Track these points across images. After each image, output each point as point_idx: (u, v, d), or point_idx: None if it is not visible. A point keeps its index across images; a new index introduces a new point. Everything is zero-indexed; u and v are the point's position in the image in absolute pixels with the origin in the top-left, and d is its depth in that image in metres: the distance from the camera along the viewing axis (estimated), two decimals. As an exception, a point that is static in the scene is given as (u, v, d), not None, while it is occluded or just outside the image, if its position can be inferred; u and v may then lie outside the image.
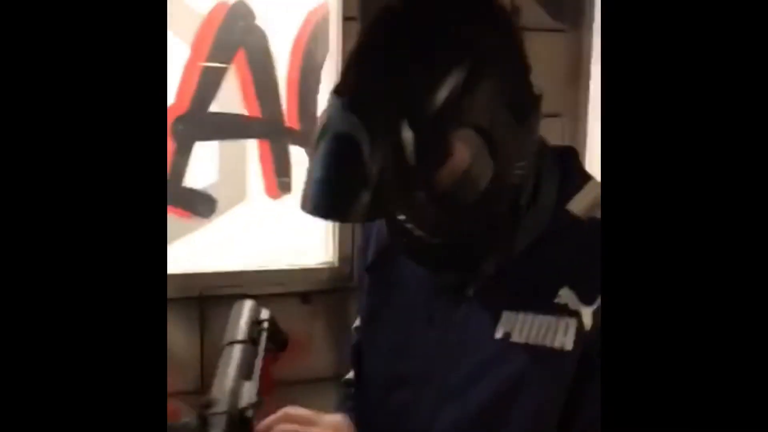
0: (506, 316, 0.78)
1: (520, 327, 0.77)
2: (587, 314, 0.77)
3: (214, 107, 1.74)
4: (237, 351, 0.85)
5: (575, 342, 0.75)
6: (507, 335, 0.77)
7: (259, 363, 0.85)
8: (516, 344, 0.77)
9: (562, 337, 0.76)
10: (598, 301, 0.76)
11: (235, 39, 1.72)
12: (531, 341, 0.76)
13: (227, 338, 0.88)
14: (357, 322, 0.96)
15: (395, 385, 0.83)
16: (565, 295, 0.77)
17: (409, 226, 0.75)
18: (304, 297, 1.80)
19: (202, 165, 1.74)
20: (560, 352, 0.75)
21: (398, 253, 0.83)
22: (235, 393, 0.79)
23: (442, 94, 0.70)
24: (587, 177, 0.84)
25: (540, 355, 0.76)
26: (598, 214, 0.77)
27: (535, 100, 0.78)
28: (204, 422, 0.76)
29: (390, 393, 0.84)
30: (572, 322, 0.76)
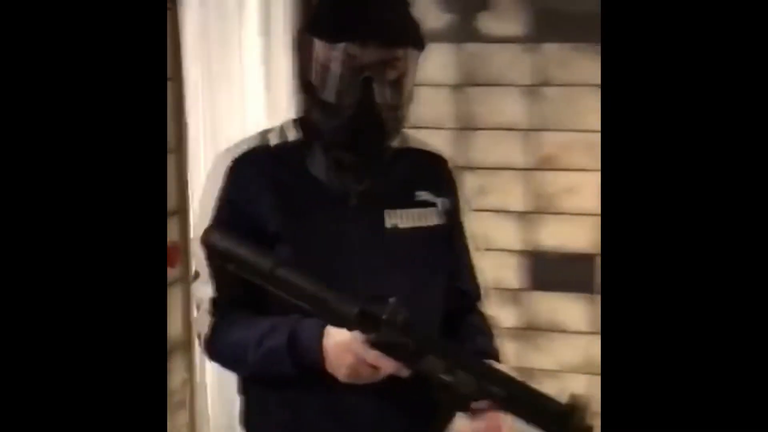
0: (387, 213, 1.06)
1: (401, 218, 1.07)
2: (440, 203, 1.10)
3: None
4: None
5: (441, 218, 1.10)
6: (395, 225, 1.06)
7: None
8: (404, 228, 1.06)
9: (432, 218, 1.09)
10: (445, 197, 1.11)
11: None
12: (413, 225, 1.07)
13: None
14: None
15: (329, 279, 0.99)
16: (422, 194, 1.09)
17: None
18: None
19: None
20: (434, 227, 1.09)
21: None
22: None
23: None
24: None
25: (422, 230, 1.08)
26: (425, 147, 1.15)
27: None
28: None
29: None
30: (432, 209, 1.09)
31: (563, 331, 2.32)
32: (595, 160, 2.23)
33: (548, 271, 2.31)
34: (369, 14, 1.00)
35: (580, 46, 2.18)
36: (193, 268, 1.13)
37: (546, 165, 2.25)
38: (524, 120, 2.25)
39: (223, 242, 1.01)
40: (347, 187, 1.07)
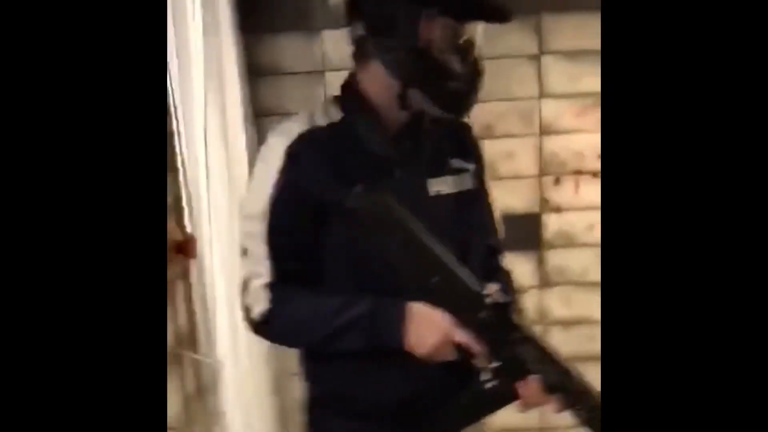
0: (429, 182, 1.14)
1: (441, 184, 1.15)
2: (471, 168, 1.21)
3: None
4: None
5: (473, 182, 1.21)
6: (437, 191, 1.15)
7: None
8: (447, 194, 1.16)
9: (467, 182, 1.20)
10: (473, 162, 1.22)
11: None
12: (453, 190, 1.17)
13: None
14: None
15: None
16: (456, 161, 1.19)
17: None
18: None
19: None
20: (467, 191, 1.20)
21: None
22: None
23: None
24: None
25: (462, 194, 1.18)
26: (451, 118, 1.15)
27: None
28: None
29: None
30: (466, 174, 1.20)
31: (513, 288, 2.49)
32: (531, 126, 2.39)
33: (495, 234, 2.45)
34: None
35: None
36: (240, 245, 1.14)
37: (486, 134, 2.36)
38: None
39: (387, 203, 1.04)
40: (399, 157, 1.13)
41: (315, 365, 1.18)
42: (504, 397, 1.06)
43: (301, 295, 1.10)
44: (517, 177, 2.42)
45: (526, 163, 2.41)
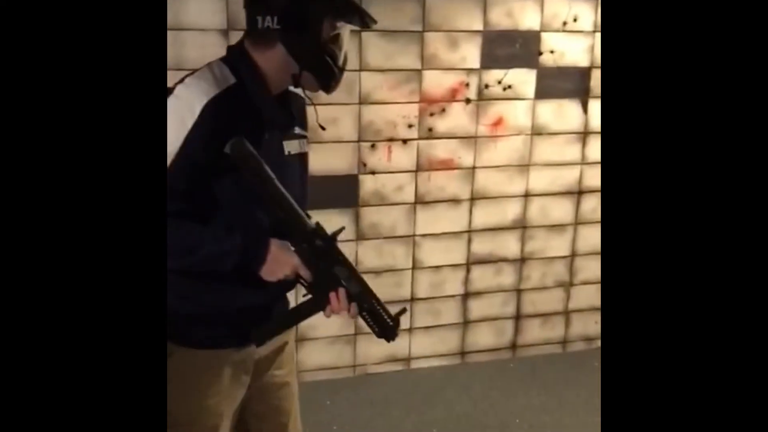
0: (284, 143, 1.44)
1: (292, 146, 1.46)
2: (305, 134, 1.53)
3: None
4: None
5: (305, 147, 1.53)
6: (289, 151, 1.45)
7: None
8: (294, 154, 1.47)
9: (304, 145, 1.51)
10: (305, 130, 1.53)
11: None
12: (297, 151, 1.48)
13: None
14: None
15: None
16: (297, 129, 1.49)
17: None
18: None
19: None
20: (304, 153, 1.52)
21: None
22: None
23: None
24: None
25: (301, 155, 1.50)
26: (294, 89, 1.49)
27: None
28: None
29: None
30: (303, 140, 1.52)
31: (332, 241, 2.76)
32: (352, 96, 2.64)
33: (317, 192, 2.69)
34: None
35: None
36: None
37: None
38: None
39: (252, 152, 1.29)
40: (273, 120, 1.41)
41: (189, 284, 1.39)
42: (318, 304, 1.41)
43: (187, 227, 1.32)
44: (338, 141, 2.68)
45: (347, 129, 2.68)
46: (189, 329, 1.42)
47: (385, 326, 1.44)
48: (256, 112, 1.37)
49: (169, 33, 2.42)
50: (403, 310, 1.46)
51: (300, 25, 1.34)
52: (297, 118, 1.50)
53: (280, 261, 1.36)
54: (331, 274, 1.39)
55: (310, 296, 1.42)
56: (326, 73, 1.39)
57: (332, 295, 1.39)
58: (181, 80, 1.35)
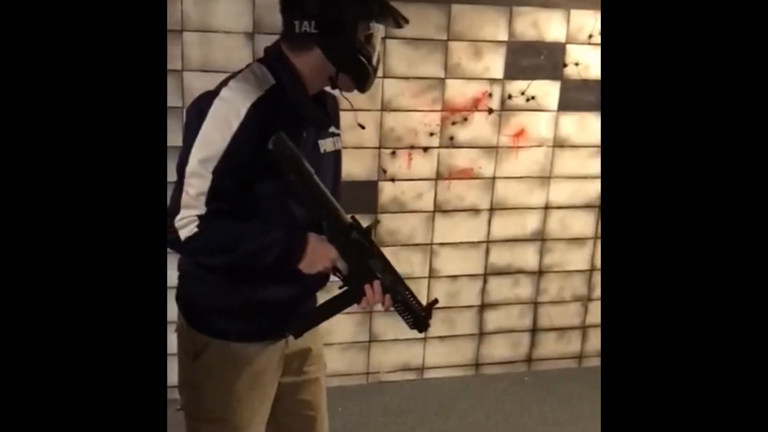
0: (319, 142, 1.48)
1: (327, 145, 1.50)
2: (339, 132, 1.58)
3: None
4: None
5: (340, 144, 1.58)
6: (325, 150, 1.49)
7: None
8: (329, 152, 1.51)
9: (338, 144, 1.56)
10: (339, 127, 1.58)
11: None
12: (332, 149, 1.53)
13: None
14: None
15: None
16: (332, 128, 1.54)
17: None
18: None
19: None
20: (338, 151, 1.57)
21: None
22: None
23: None
24: None
25: (335, 153, 1.55)
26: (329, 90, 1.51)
27: None
28: None
29: None
30: (338, 137, 1.57)
31: (350, 247, 2.76)
32: (374, 103, 2.65)
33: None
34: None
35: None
36: (180, 181, 1.35)
37: (333, 106, 2.59)
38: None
39: (292, 147, 1.33)
40: (310, 120, 1.45)
41: (223, 279, 1.44)
42: (354, 296, 1.44)
43: (227, 225, 1.36)
44: (359, 147, 2.68)
45: (368, 136, 2.68)
46: (223, 322, 1.45)
47: (418, 317, 1.47)
48: (294, 111, 1.40)
49: (196, 35, 2.45)
50: (435, 301, 1.51)
51: (336, 28, 1.38)
52: (332, 117, 1.55)
53: (319, 254, 1.39)
54: (366, 267, 1.42)
55: (345, 288, 1.45)
56: (362, 74, 1.43)
57: (367, 287, 1.42)
58: (224, 82, 1.38)
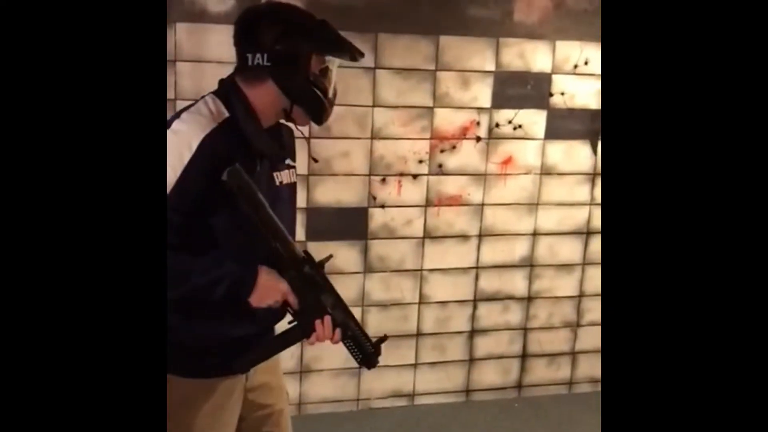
0: (275, 174, 1.48)
1: (282, 177, 1.49)
2: (294, 164, 1.57)
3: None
4: None
5: (295, 177, 1.57)
6: (280, 182, 1.49)
7: None
8: (286, 184, 1.51)
9: (293, 176, 1.55)
10: (294, 159, 1.56)
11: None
12: (287, 182, 1.52)
13: None
14: None
15: None
16: (288, 160, 1.54)
17: None
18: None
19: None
20: (293, 183, 1.56)
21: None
22: None
23: None
24: None
25: (290, 185, 1.54)
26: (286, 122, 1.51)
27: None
28: None
29: None
30: (293, 169, 1.56)
31: (340, 273, 2.78)
32: (364, 130, 2.69)
33: (327, 223, 2.72)
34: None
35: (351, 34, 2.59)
36: None
37: (324, 134, 2.63)
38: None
39: (247, 179, 1.32)
40: (265, 153, 1.43)
41: (177, 315, 1.39)
42: (305, 331, 1.43)
43: (177, 258, 1.30)
44: (349, 174, 2.71)
45: (358, 163, 2.72)
46: (178, 359, 1.41)
47: (367, 353, 1.48)
48: (248, 144, 1.39)
49: (189, 64, 2.49)
50: (384, 338, 1.50)
51: (289, 62, 1.38)
52: (287, 149, 1.55)
53: (269, 288, 1.38)
54: (318, 302, 1.41)
55: (294, 324, 1.44)
56: (316, 106, 1.43)
57: (317, 322, 1.41)
58: (177, 115, 1.39)
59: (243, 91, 1.41)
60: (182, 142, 1.31)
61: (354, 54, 1.45)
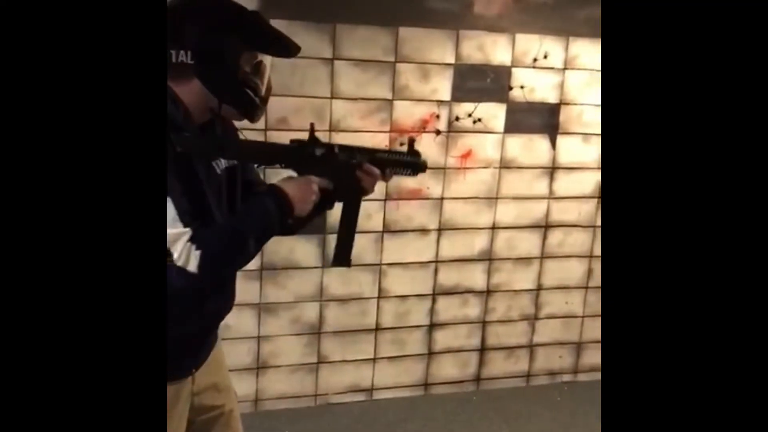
0: (213, 164, 1.41)
1: (219, 164, 1.42)
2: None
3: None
4: None
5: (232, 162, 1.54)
6: (220, 168, 1.43)
7: None
8: (224, 168, 1.44)
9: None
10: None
11: None
12: (227, 165, 1.46)
13: None
14: None
15: None
16: (223, 161, 1.46)
17: None
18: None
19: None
20: (233, 167, 1.49)
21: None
22: None
23: None
24: None
25: (234, 167, 1.48)
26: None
27: None
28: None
29: None
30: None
31: (298, 267, 2.74)
32: (323, 122, 2.64)
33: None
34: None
35: (309, 24, 2.54)
36: None
37: (282, 126, 2.58)
38: (260, 86, 2.53)
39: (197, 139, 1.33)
40: (203, 151, 1.39)
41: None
42: (356, 193, 1.46)
43: (218, 227, 1.30)
44: (307, 167, 2.66)
45: (316, 156, 2.66)
46: None
47: (415, 163, 1.50)
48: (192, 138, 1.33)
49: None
50: (410, 140, 1.52)
51: (214, 59, 1.31)
52: (224, 145, 1.46)
53: (299, 188, 1.37)
54: (344, 164, 1.42)
55: (343, 203, 1.47)
56: (246, 105, 1.38)
57: (359, 175, 1.43)
58: None
59: (171, 87, 1.33)
60: None
61: (290, 48, 1.40)
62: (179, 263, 1.22)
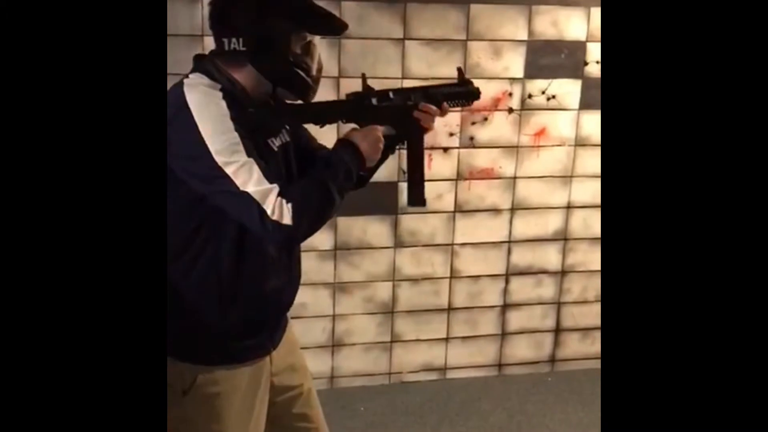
0: (269, 141, 1.45)
1: (277, 141, 1.46)
2: (283, 128, 1.52)
3: None
4: None
5: (289, 136, 1.55)
6: (276, 146, 1.45)
7: None
8: (280, 145, 1.47)
9: (285, 137, 1.51)
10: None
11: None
12: (282, 142, 1.50)
13: None
14: None
15: None
16: (284, 135, 1.52)
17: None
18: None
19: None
20: (288, 142, 1.53)
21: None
22: None
23: None
24: None
25: (285, 144, 1.52)
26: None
27: None
28: None
29: None
30: (284, 132, 1.52)
31: (370, 247, 2.77)
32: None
33: (356, 198, 2.70)
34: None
35: (380, 5, 2.54)
36: (224, 176, 1.27)
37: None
38: (332, 69, 2.56)
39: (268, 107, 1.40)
40: (264, 127, 1.44)
41: (196, 301, 1.40)
42: (416, 132, 1.50)
43: (302, 181, 1.35)
44: (379, 148, 2.68)
45: (388, 137, 2.68)
46: (209, 348, 1.42)
47: (468, 92, 1.50)
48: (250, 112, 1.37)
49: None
50: (460, 70, 1.53)
51: (265, 45, 1.34)
52: (285, 111, 1.49)
53: (365, 136, 1.41)
54: (399, 109, 1.45)
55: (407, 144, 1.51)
56: (300, 87, 1.41)
57: (417, 115, 1.45)
58: (179, 94, 1.31)
59: (229, 71, 1.37)
60: (212, 102, 1.29)
61: (337, 27, 1.43)
62: (274, 217, 1.25)
